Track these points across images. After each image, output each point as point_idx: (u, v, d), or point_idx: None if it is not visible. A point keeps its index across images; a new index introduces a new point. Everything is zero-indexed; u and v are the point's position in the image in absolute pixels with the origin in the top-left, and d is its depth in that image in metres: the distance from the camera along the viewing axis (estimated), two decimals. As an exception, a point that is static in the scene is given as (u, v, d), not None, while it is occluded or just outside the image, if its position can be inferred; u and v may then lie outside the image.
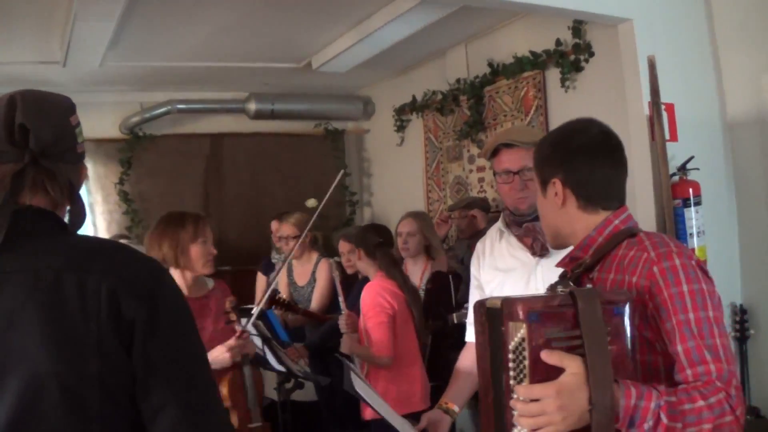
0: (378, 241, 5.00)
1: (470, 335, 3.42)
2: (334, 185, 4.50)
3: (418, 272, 5.86)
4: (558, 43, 6.14)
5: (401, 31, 6.43)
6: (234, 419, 4.22)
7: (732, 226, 5.18)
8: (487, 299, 2.07)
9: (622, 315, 1.89)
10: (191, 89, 8.58)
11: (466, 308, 5.15)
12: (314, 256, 6.46)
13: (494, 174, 3.35)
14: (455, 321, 5.28)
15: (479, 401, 2.15)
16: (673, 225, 4.62)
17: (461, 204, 6.55)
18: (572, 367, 1.79)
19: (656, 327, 1.99)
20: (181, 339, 1.75)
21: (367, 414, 4.76)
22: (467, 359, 3.29)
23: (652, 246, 2.08)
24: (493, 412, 2.00)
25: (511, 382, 1.85)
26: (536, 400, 1.79)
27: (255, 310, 4.22)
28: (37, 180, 1.76)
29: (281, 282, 6.60)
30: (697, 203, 4.71)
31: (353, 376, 3.16)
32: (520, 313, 1.82)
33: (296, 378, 5.01)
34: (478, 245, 3.56)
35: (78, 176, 1.89)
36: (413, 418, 4.69)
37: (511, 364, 1.85)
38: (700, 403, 1.81)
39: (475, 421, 7.07)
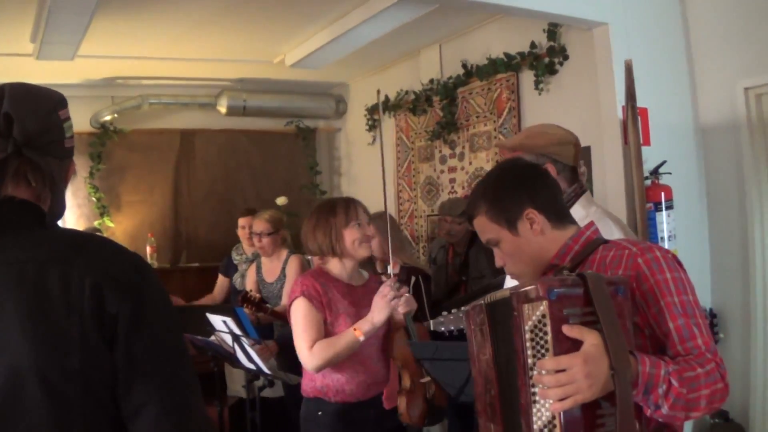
0: None
1: None
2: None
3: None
4: (533, 45, 6.15)
5: (376, 31, 6.42)
6: (406, 378, 4.19)
7: (703, 231, 5.23)
8: (482, 299, 2.16)
9: (623, 295, 2.00)
10: (163, 84, 8.52)
11: (444, 315, 5.05)
12: (283, 253, 6.43)
13: None
14: (431, 328, 5.16)
15: (476, 402, 2.20)
16: (646, 228, 4.64)
17: (457, 212, 6.34)
18: (591, 338, 1.89)
19: (644, 313, 2.13)
20: (165, 336, 1.73)
21: None
22: None
23: (632, 244, 2.26)
24: (499, 404, 2.08)
25: (530, 361, 1.93)
26: (562, 372, 1.87)
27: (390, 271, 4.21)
28: (20, 171, 1.74)
29: (249, 279, 6.58)
30: (669, 207, 4.75)
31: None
32: (540, 291, 1.92)
33: (265, 376, 4.98)
34: None
35: (64, 171, 1.87)
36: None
37: (528, 344, 1.93)
38: (699, 370, 1.96)
39: None
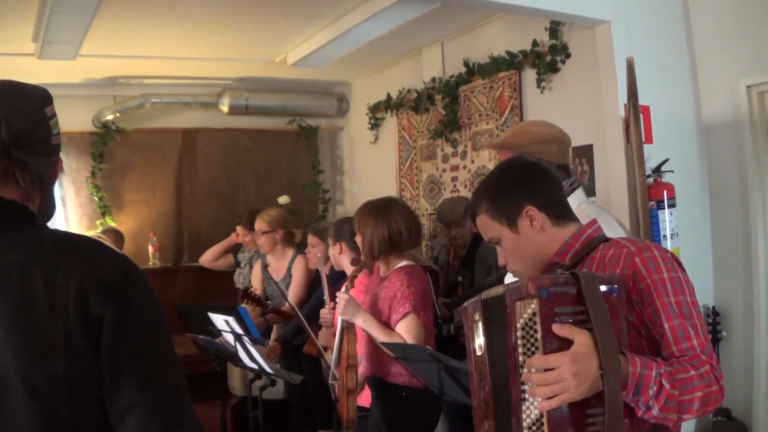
0: None
1: None
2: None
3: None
4: (535, 43, 6.13)
5: (378, 29, 6.41)
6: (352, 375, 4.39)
7: (705, 229, 5.22)
8: (479, 295, 2.18)
9: (617, 295, 2.00)
10: (165, 83, 8.52)
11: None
12: (290, 252, 6.43)
13: None
14: (452, 332, 5.09)
15: (471, 398, 2.23)
16: (648, 227, 4.64)
17: (457, 216, 6.11)
18: (581, 338, 1.89)
19: (640, 312, 2.12)
20: (151, 338, 1.69)
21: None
22: None
23: (630, 242, 2.26)
24: (492, 400, 2.10)
25: (521, 358, 1.94)
26: (550, 370, 1.88)
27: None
28: (8, 171, 1.71)
29: (255, 276, 6.59)
30: (672, 205, 4.75)
31: None
32: (531, 289, 1.93)
33: (267, 375, 4.96)
34: None
35: (52, 169, 1.84)
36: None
37: (519, 341, 1.94)
38: (692, 372, 1.96)
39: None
